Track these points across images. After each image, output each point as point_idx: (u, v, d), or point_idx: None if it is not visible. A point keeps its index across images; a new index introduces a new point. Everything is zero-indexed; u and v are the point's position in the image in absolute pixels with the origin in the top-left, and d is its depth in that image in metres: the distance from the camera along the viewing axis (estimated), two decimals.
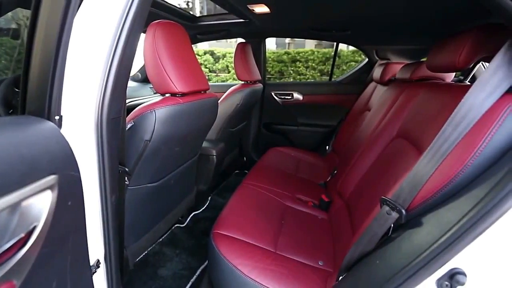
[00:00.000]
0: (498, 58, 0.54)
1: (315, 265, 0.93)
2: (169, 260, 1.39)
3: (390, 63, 1.78)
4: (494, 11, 0.50)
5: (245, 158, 2.47)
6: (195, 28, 1.89)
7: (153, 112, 0.85)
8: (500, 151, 0.52)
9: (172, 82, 0.92)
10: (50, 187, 0.42)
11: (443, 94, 0.91)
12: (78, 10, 0.54)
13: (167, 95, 0.97)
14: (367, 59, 2.31)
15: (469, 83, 1.13)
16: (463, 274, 0.49)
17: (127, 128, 0.85)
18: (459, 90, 0.82)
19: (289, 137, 2.47)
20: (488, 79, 0.54)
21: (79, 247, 0.54)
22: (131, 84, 2.25)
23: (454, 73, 1.34)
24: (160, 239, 1.52)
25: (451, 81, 1.26)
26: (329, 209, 1.32)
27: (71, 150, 0.47)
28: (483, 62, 1.16)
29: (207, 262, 1.33)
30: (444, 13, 1.14)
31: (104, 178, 0.64)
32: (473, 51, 0.74)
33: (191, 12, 2.04)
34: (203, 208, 1.85)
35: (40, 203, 0.41)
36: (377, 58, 2.20)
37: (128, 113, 0.90)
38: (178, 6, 1.70)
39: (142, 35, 0.92)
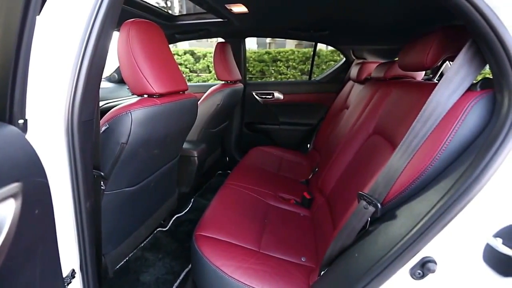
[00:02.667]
0: (460, 57, 0.57)
1: (298, 262, 0.95)
2: (151, 266, 1.36)
3: (366, 63, 1.84)
4: (455, 14, 0.53)
5: (227, 158, 2.46)
6: (173, 28, 1.86)
7: (129, 114, 0.83)
8: (463, 145, 0.55)
9: (149, 83, 0.90)
10: (13, 196, 0.39)
11: (413, 92, 0.95)
12: (44, 6, 0.51)
13: (145, 96, 0.95)
14: (344, 59, 2.38)
15: (437, 81, 1.20)
16: (434, 262, 0.51)
17: (101, 131, 0.82)
18: (428, 88, 0.86)
19: (271, 136, 2.49)
20: (452, 78, 0.58)
21: (49, 258, 0.52)
22: (107, 85, 2.17)
23: (424, 72, 1.41)
24: (142, 244, 1.48)
25: (422, 79, 1.33)
26: (311, 206, 1.34)
27: (37, 155, 0.44)
28: (449, 62, 1.23)
29: (190, 265, 1.31)
30: (413, 15, 1.20)
31: (77, 184, 0.62)
32: (439, 51, 0.78)
33: (169, 11, 2.00)
34: (185, 211, 1.82)
35: (1, 213, 0.38)
36: (353, 58, 2.26)
37: (104, 116, 0.87)
38: (156, 5, 1.65)
39: (116, 34, 0.89)
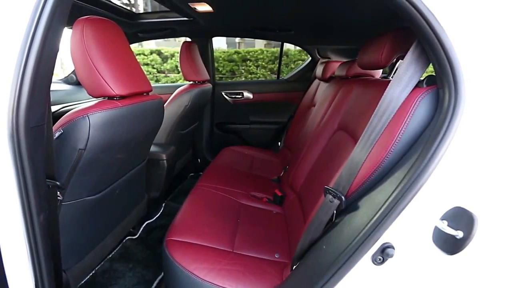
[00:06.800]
0: (408, 57, 0.62)
1: (272, 259, 0.96)
2: (121, 277, 1.29)
3: (330, 62, 1.92)
4: (403, 17, 0.58)
5: (199, 159, 2.42)
6: (135, 26, 1.77)
7: (86, 117, 0.77)
8: (414, 138, 0.60)
9: (108, 84, 0.85)
10: None
11: (371, 89, 1.02)
12: None
13: (105, 98, 0.89)
14: (310, 58, 2.45)
15: (391, 79, 1.29)
16: (392, 247, 0.55)
17: (54, 137, 0.76)
18: (384, 85, 0.91)
19: (242, 135, 2.49)
20: (402, 76, 0.62)
21: None
22: (64, 87, 2.01)
23: (382, 70, 1.51)
24: (110, 255, 1.40)
25: (380, 77, 1.42)
26: (283, 203, 1.37)
27: None
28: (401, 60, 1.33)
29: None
30: (371, 18, 1.28)
31: (27, 196, 0.56)
32: (391, 50, 0.84)
33: (133, 9, 1.91)
34: (156, 216, 1.76)
35: None
36: (319, 57, 2.35)
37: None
38: (119, 2, 1.57)
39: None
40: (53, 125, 0.76)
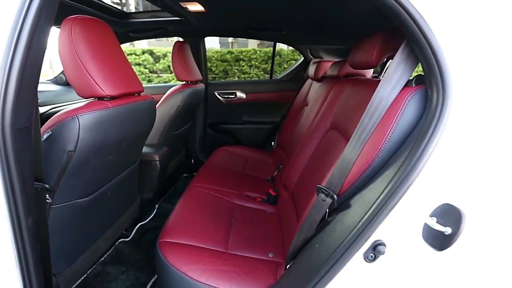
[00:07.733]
0: (397, 56, 0.63)
1: (266, 258, 0.96)
2: (113, 280, 1.27)
3: (322, 61, 1.93)
4: (392, 18, 0.58)
5: (192, 160, 2.41)
6: (126, 26, 1.75)
7: (76, 118, 0.76)
8: (403, 136, 0.61)
9: (98, 85, 0.84)
10: None
11: (363, 88, 1.03)
12: None
13: (95, 99, 0.88)
14: (303, 58, 2.47)
15: (381, 78, 1.31)
16: (383, 244, 0.56)
17: (43, 139, 0.74)
18: (374, 85, 0.93)
19: (235, 135, 2.49)
20: (392, 75, 0.63)
21: None
22: (53, 88, 1.98)
23: (373, 70, 1.52)
24: (102, 258, 1.38)
25: (371, 77, 1.43)
26: (276, 202, 1.37)
27: None
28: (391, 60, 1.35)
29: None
30: (362, 18, 1.30)
31: (14, 199, 0.55)
32: (382, 50, 0.85)
33: (124, 8, 1.88)
34: (150, 218, 1.74)
35: None
36: (311, 57, 2.36)
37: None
38: (109, 1, 1.55)
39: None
40: (41, 126, 0.74)
